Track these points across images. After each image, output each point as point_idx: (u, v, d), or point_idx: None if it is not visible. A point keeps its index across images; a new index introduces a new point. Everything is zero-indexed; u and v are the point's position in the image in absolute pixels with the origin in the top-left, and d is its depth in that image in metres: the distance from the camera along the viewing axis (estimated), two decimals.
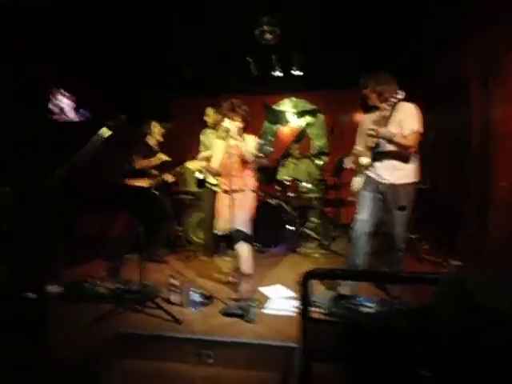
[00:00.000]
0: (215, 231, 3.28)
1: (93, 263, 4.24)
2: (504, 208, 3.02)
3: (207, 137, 4.47)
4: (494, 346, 1.09)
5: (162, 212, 4.14)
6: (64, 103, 5.06)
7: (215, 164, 3.22)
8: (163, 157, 4.10)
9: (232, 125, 3.01)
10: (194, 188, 5.29)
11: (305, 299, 1.65)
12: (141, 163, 4.03)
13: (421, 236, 4.66)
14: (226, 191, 3.18)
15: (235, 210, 3.04)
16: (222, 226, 3.20)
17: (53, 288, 3.21)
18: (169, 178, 4.14)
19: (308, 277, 1.65)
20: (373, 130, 2.82)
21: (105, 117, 3.90)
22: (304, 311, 1.63)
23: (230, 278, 3.49)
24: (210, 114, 4.38)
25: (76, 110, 5.12)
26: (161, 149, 4.25)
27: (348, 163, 3.17)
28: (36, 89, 4.47)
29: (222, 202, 3.22)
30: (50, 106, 4.89)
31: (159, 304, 2.91)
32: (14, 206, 3.14)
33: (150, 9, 3.91)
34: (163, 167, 4.15)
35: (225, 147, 3.12)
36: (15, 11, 3.57)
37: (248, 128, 3.19)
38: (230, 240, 3.21)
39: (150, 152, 4.13)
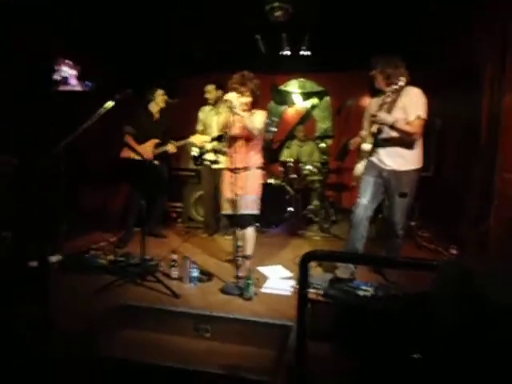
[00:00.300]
0: (222, 212, 3.27)
1: (93, 235, 4.28)
2: (507, 200, 3.02)
3: (205, 114, 4.41)
4: (498, 338, 1.10)
5: (161, 185, 4.09)
6: (69, 74, 5.01)
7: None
8: (148, 149, 3.99)
9: (234, 97, 2.88)
10: (191, 164, 5.31)
11: (303, 279, 1.68)
12: (129, 141, 3.95)
13: (421, 223, 4.67)
14: (229, 169, 3.12)
15: (241, 192, 3.00)
16: (225, 206, 3.20)
17: (54, 258, 3.26)
18: (170, 148, 4.02)
19: (307, 258, 1.67)
20: (374, 115, 2.79)
21: (112, 89, 3.89)
22: (301, 291, 1.66)
23: (230, 257, 3.53)
24: (211, 91, 4.29)
25: (82, 80, 5.07)
26: (162, 117, 4.19)
27: (353, 145, 3.14)
28: (41, 59, 4.41)
29: (225, 180, 3.19)
30: (55, 76, 4.85)
31: (159, 278, 2.96)
32: (18, 175, 3.15)
33: None
34: (166, 138, 4.09)
35: (224, 121, 3.06)
36: None
37: (257, 104, 3.10)
38: (233, 219, 3.21)
39: (148, 120, 4.05)
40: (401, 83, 2.72)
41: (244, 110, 2.97)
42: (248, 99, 3.00)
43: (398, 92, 2.83)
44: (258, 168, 3.16)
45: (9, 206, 3.08)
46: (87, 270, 3.18)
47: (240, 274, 3.10)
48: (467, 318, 1.25)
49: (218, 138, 4.20)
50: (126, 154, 3.89)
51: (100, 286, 2.81)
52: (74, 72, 5.08)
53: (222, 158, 4.06)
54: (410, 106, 2.81)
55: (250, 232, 3.15)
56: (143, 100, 4.09)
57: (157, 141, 4.04)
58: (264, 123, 3.10)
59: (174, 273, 3.10)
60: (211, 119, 4.34)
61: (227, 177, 3.16)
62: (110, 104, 3.32)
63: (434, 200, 4.49)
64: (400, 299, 2.25)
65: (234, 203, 3.07)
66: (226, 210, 3.19)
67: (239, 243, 3.20)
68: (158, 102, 4.10)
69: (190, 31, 4.96)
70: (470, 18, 3.88)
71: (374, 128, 2.91)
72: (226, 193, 3.14)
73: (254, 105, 3.07)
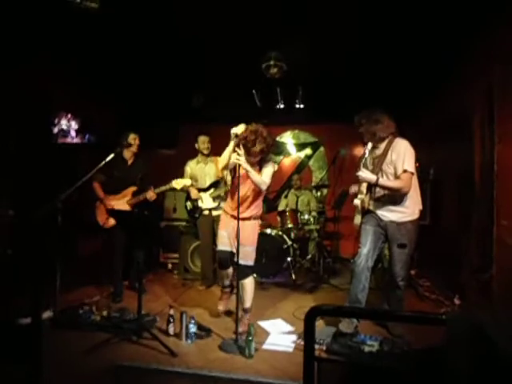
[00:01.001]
0: (218, 247, 3.20)
1: (86, 288, 4.15)
2: (505, 246, 3.01)
3: (193, 167, 4.44)
4: None
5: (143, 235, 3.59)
6: (69, 126, 5.13)
7: (221, 162, 3.04)
8: (125, 197, 3.86)
9: (242, 154, 2.87)
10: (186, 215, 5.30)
11: (309, 337, 1.60)
12: (96, 188, 3.82)
13: (421, 272, 4.62)
14: (233, 216, 3.08)
15: (241, 242, 2.97)
16: (222, 242, 3.16)
17: (46, 314, 3.13)
18: (150, 195, 3.78)
19: (313, 314, 1.60)
20: (357, 176, 2.84)
21: (112, 141, 3.95)
22: (308, 349, 1.58)
23: (229, 308, 3.40)
24: (204, 142, 4.32)
25: (81, 133, 5.18)
26: (137, 162, 4.00)
27: (351, 190, 3.17)
28: (41, 111, 4.53)
29: (225, 227, 3.16)
30: (55, 128, 4.96)
31: (155, 335, 2.83)
32: (14, 227, 3.11)
33: (161, 37, 4.03)
34: (145, 184, 3.90)
35: (216, 170, 3.06)
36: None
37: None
38: (226, 260, 3.19)
39: (122, 167, 3.87)
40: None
41: (252, 165, 2.98)
42: (257, 159, 3.00)
43: (388, 144, 2.93)
44: (257, 218, 3.16)
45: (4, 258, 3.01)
46: (80, 327, 3.05)
47: (240, 330, 2.99)
48: (481, 372, 1.20)
49: (214, 185, 4.27)
50: (108, 204, 3.80)
51: (94, 344, 2.68)
52: (73, 124, 5.21)
53: (222, 204, 4.04)
54: (398, 160, 2.87)
55: (249, 283, 3.09)
56: (117, 146, 3.81)
57: (134, 188, 3.87)
58: (272, 176, 3.09)
59: (171, 329, 2.98)
60: (201, 171, 4.41)
61: (227, 224, 3.14)
62: (111, 156, 3.38)
63: (432, 249, 4.47)
64: (408, 356, 2.16)
65: (232, 252, 3.06)
66: (224, 245, 3.14)
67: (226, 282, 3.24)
68: (133, 148, 3.91)
69: (189, 81, 5.18)
70: (459, 73, 4.10)
71: (364, 186, 2.97)
72: (224, 241, 3.12)
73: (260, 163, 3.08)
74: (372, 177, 2.83)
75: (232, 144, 2.96)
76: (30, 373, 1.75)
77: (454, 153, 4.17)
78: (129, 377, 2.41)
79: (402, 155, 2.87)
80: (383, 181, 2.86)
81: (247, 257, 3.04)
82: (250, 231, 3.09)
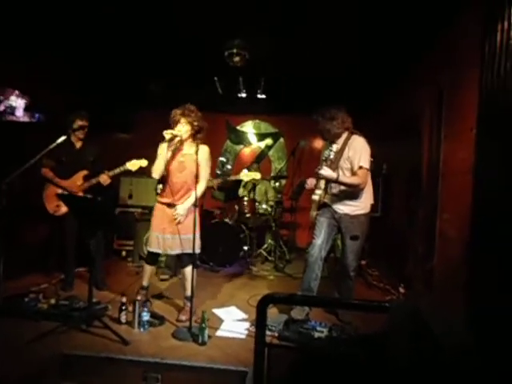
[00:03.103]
0: (149, 248, 3.13)
1: (34, 276, 3.97)
2: (446, 239, 3.23)
3: (163, 149, 4.33)
4: (448, 374, 1.15)
5: (102, 221, 3.44)
6: (16, 104, 4.81)
7: (156, 171, 3.03)
8: (76, 182, 3.67)
9: (183, 130, 2.97)
10: (143, 201, 5.17)
11: (261, 324, 1.65)
12: (46, 173, 3.67)
13: (371, 262, 4.84)
14: (169, 204, 3.06)
15: (181, 231, 2.98)
16: (156, 243, 3.09)
17: None
18: (104, 178, 3.60)
19: (265, 301, 1.65)
20: (317, 173, 2.92)
21: (62, 122, 3.75)
22: (260, 336, 1.63)
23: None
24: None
25: (30, 111, 4.88)
26: (87, 146, 3.81)
27: (310, 185, 3.22)
28: None
29: (163, 215, 3.08)
30: (2, 106, 4.64)
31: (106, 323, 2.78)
32: None
33: (123, 22, 3.87)
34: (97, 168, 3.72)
35: (167, 153, 3.00)
36: None
37: (207, 140, 3.13)
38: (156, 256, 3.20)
39: (70, 151, 3.69)
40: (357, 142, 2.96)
41: (186, 140, 3.03)
42: (186, 128, 3.01)
43: (346, 140, 3.03)
44: (196, 206, 3.07)
45: None
46: (25, 315, 2.91)
47: (183, 318, 3.04)
48: (419, 356, 1.30)
49: None
50: (55, 190, 3.60)
51: (37, 334, 2.58)
52: (22, 102, 4.89)
53: None
54: (354, 156, 2.99)
55: (190, 270, 3.07)
56: (66, 129, 3.67)
57: (85, 172, 3.69)
58: (208, 159, 3.11)
59: (123, 317, 2.93)
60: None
61: (165, 212, 3.08)
62: (62, 138, 3.22)
63: (382, 240, 4.70)
64: (355, 341, 2.28)
65: (173, 243, 3.05)
66: (158, 248, 3.10)
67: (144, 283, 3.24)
68: (78, 133, 3.72)
69: (148, 66, 5.02)
70: (411, 75, 4.30)
71: (322, 181, 3.05)
72: (163, 229, 3.06)
73: (201, 140, 3.07)
74: (333, 175, 2.91)
75: (164, 148, 2.99)
76: None
77: (405, 150, 4.38)
78: (77, 366, 2.34)
79: (358, 152, 2.98)
80: (343, 177, 2.96)
81: (186, 245, 3.02)
82: (190, 219, 3.03)
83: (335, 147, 3.08)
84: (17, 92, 4.75)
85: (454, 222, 3.07)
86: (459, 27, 3.14)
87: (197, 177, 2.91)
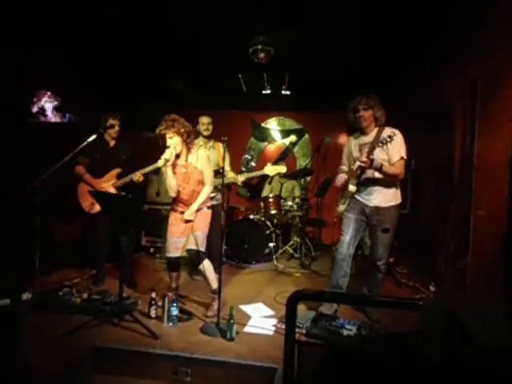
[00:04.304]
0: (168, 254, 3.17)
1: (67, 271, 4.11)
2: (482, 236, 3.11)
3: (166, 169, 4.28)
4: (484, 377, 1.10)
5: (133, 219, 3.63)
6: (47, 105, 4.97)
7: (171, 190, 3.11)
8: (109, 180, 3.76)
9: (174, 143, 2.99)
10: (170, 199, 5.21)
11: (291, 320, 1.63)
12: (79, 170, 3.76)
13: (399, 259, 4.73)
14: (183, 212, 3.12)
15: (194, 230, 3.05)
16: (174, 247, 3.13)
17: (24, 296, 3.09)
18: (137, 176, 3.62)
19: (295, 298, 1.63)
20: (364, 161, 2.84)
21: (92, 123, 3.85)
22: (290, 333, 1.61)
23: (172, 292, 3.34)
24: (208, 123, 4.11)
25: (61, 112, 5.03)
26: (120, 144, 3.91)
27: (339, 182, 3.16)
28: (20, 89, 4.37)
29: (179, 222, 3.13)
30: (34, 108, 4.80)
31: (137, 318, 2.83)
32: None
33: (145, 22, 3.93)
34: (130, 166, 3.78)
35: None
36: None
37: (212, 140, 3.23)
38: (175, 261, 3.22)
39: (103, 149, 3.79)
40: (397, 134, 2.87)
41: (181, 151, 3.06)
42: (176, 139, 3.00)
43: (379, 132, 2.96)
44: (209, 208, 3.23)
45: None
46: (60, 309, 3.01)
47: (210, 314, 3.08)
48: (452, 356, 1.25)
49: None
50: (87, 187, 3.71)
51: (74, 327, 2.66)
52: (53, 103, 5.05)
53: (218, 195, 3.95)
54: (393, 147, 2.92)
55: (209, 265, 3.13)
56: (98, 128, 3.75)
57: (118, 170, 3.78)
58: (207, 161, 3.15)
59: (153, 312, 2.98)
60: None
61: (178, 219, 3.14)
62: (93, 137, 3.30)
63: (411, 237, 4.58)
64: (385, 340, 2.23)
65: (186, 243, 3.10)
66: (177, 252, 3.14)
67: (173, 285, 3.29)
68: (111, 132, 3.83)
69: (174, 65, 5.08)
70: (445, 64, 4.14)
71: (358, 168, 2.98)
72: (179, 234, 3.12)
73: (192, 143, 3.12)
74: (378, 162, 2.86)
75: (168, 170, 3.04)
76: (10, 351, 1.74)
77: (434, 144, 4.24)
78: (109, 359, 2.41)
79: (399, 142, 2.93)
80: (387, 167, 2.90)
81: (200, 241, 3.08)
82: (203, 218, 3.15)
83: (365, 139, 3.02)
84: (49, 93, 4.92)
85: (489, 217, 2.96)
86: (496, 12, 3.00)
87: (201, 182, 3.08)
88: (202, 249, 3.10)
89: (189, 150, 3.11)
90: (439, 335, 1.31)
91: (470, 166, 3.28)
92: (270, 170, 3.72)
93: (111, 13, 3.71)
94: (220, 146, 4.10)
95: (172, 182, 3.06)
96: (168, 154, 2.97)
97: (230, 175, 3.96)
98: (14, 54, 3.98)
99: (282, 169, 3.78)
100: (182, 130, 3.00)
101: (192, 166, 3.08)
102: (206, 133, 4.09)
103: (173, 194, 3.12)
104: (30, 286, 3.09)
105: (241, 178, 3.93)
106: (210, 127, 4.09)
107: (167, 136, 2.99)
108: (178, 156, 3.08)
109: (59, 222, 4.31)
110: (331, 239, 5.64)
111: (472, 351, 1.24)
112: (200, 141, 4.13)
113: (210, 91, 5.73)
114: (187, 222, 3.08)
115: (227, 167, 4.07)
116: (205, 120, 4.09)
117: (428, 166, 4.48)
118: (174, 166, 3.07)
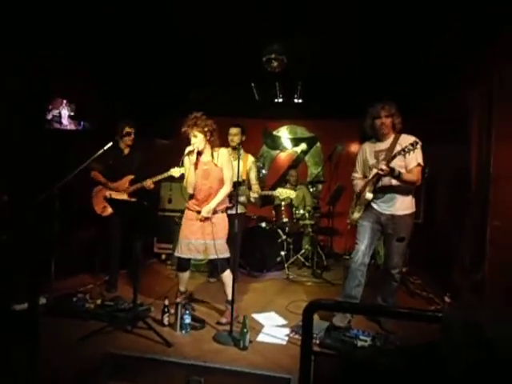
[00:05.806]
0: (179, 254, 3.15)
1: (81, 276, 4.14)
2: (499, 246, 3.06)
3: (187, 164, 4.31)
4: None
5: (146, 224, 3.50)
6: (63, 112, 5.06)
7: (189, 186, 3.11)
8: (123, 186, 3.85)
9: (198, 141, 3.02)
10: (182, 206, 5.25)
11: (307, 330, 1.61)
12: (96, 176, 3.83)
13: (412, 270, 4.67)
14: (199, 212, 3.10)
15: (214, 236, 3.03)
16: (187, 249, 3.12)
17: (40, 300, 3.12)
18: (148, 183, 3.73)
19: (312, 307, 1.61)
20: (382, 169, 2.81)
21: (106, 130, 3.92)
22: (306, 343, 1.60)
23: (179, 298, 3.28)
24: (237, 134, 4.12)
25: (76, 120, 5.11)
26: (134, 152, 3.98)
27: (357, 188, 3.17)
28: (36, 96, 4.46)
29: (194, 222, 3.11)
30: (50, 114, 4.89)
31: (150, 325, 2.84)
32: (8, 212, 3.08)
33: (161, 30, 3.98)
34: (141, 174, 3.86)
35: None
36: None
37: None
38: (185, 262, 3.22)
39: (118, 156, 3.85)
40: (419, 142, 2.82)
41: (204, 148, 3.08)
42: (200, 137, 3.02)
43: (395, 140, 2.95)
44: (224, 212, 3.21)
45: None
46: (74, 315, 3.04)
47: (224, 321, 3.07)
48: (477, 370, 1.23)
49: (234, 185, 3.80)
50: (103, 192, 3.80)
51: (86, 333, 2.68)
52: (68, 111, 5.14)
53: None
54: (411, 154, 2.88)
55: (229, 275, 3.13)
56: (113, 135, 3.85)
57: (131, 177, 3.86)
58: (228, 161, 3.14)
59: (166, 319, 2.98)
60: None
61: (194, 219, 3.11)
62: (109, 144, 3.35)
63: (425, 247, 4.52)
64: (402, 352, 2.20)
65: (206, 248, 3.09)
66: (190, 254, 3.14)
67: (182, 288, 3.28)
68: (126, 140, 3.90)
69: (188, 74, 5.13)
70: (459, 72, 4.10)
71: (374, 177, 2.96)
72: (195, 236, 3.10)
73: (216, 142, 3.14)
74: (398, 170, 2.84)
75: (187, 163, 3.09)
76: (28, 356, 1.75)
77: (449, 153, 4.19)
78: (123, 366, 2.41)
79: (415, 150, 2.89)
80: (405, 174, 2.89)
81: (222, 249, 3.10)
82: (223, 225, 3.16)
83: (381, 146, 3.01)
84: (65, 101, 5.01)
85: (507, 227, 2.91)
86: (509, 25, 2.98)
87: (221, 180, 3.09)
88: (225, 255, 3.11)
89: (212, 148, 3.12)
90: (462, 347, 1.29)
91: (486, 176, 3.24)
92: (280, 193, 3.97)
93: (131, 20, 3.77)
94: (248, 159, 4.17)
95: (192, 178, 3.08)
96: (193, 147, 3.02)
97: (255, 189, 4.11)
98: (31, 59, 4.07)
99: (291, 194, 4.02)
100: (206, 129, 3.03)
101: (213, 164, 3.10)
102: (231, 143, 4.11)
103: (190, 191, 3.13)
104: (45, 291, 3.12)
105: (253, 195, 4.01)
106: (236, 138, 4.09)
107: (191, 135, 3.02)
108: (200, 153, 3.10)
109: (73, 228, 4.36)
110: (343, 248, 5.60)
111: (495, 363, 1.21)
112: (229, 151, 4.01)
113: (223, 101, 5.76)
114: (202, 220, 3.07)
115: (254, 181, 4.18)
116: (230, 131, 4.15)
117: (443, 175, 4.43)
118: (196, 163, 3.08)
